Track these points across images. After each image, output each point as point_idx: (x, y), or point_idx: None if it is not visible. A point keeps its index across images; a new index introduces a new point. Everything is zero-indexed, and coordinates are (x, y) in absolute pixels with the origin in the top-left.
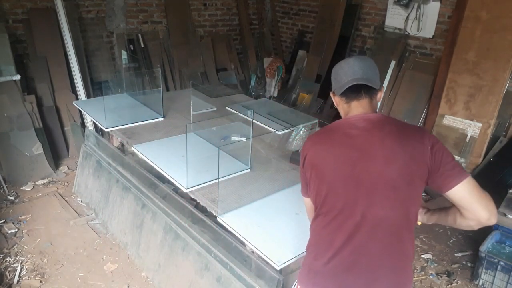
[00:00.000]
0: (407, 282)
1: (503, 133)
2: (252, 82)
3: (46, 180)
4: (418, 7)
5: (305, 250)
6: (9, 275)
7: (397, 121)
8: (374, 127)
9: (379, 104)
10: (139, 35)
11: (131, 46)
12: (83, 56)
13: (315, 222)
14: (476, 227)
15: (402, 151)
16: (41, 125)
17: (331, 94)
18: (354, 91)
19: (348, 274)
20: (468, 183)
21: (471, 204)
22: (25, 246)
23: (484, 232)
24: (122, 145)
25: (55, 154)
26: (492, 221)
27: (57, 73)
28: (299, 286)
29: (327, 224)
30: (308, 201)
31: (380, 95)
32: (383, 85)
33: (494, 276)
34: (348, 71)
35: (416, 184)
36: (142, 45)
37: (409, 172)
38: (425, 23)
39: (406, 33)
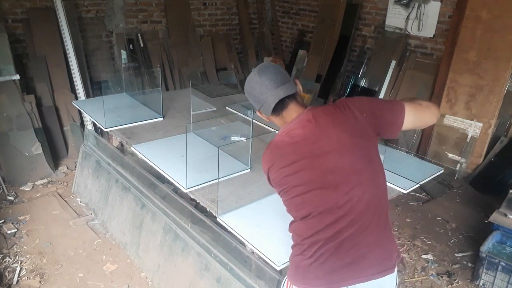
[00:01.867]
0: (392, 250)
1: (504, 133)
2: None
3: (45, 180)
4: (419, 6)
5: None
6: (9, 276)
7: (324, 108)
8: (312, 127)
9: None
10: (139, 35)
11: (131, 46)
12: (82, 55)
13: (295, 225)
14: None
15: (345, 134)
16: (40, 125)
17: (258, 113)
18: (279, 104)
19: (334, 259)
20: (408, 113)
21: (422, 122)
22: (24, 247)
23: (485, 232)
24: (122, 145)
25: (55, 154)
26: (438, 116)
27: (57, 72)
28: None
29: (310, 226)
30: None
31: (299, 87)
32: (384, 85)
33: (494, 277)
34: (262, 89)
35: (373, 153)
36: (142, 45)
37: (362, 149)
38: (426, 22)
39: (407, 32)
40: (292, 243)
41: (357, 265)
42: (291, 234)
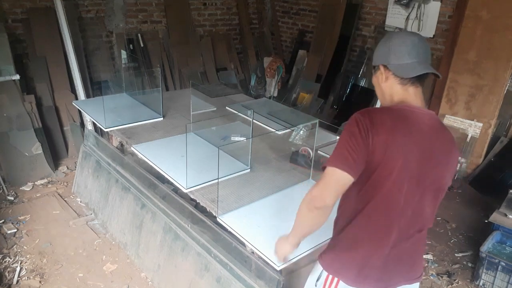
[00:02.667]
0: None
1: (504, 133)
2: (252, 82)
3: (45, 180)
4: (419, 6)
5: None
6: (9, 276)
7: (446, 127)
8: (438, 128)
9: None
10: (139, 35)
11: (131, 46)
12: (82, 55)
13: (364, 215)
14: None
15: (451, 159)
16: (40, 125)
17: (380, 66)
18: (417, 76)
19: (393, 269)
20: None
21: None
22: (24, 247)
23: (485, 232)
24: (122, 145)
25: (55, 154)
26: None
27: (57, 73)
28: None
29: (383, 219)
30: (344, 176)
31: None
32: None
33: (494, 277)
34: (412, 50)
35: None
36: (142, 45)
37: (449, 176)
38: (426, 22)
39: None
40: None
41: (406, 279)
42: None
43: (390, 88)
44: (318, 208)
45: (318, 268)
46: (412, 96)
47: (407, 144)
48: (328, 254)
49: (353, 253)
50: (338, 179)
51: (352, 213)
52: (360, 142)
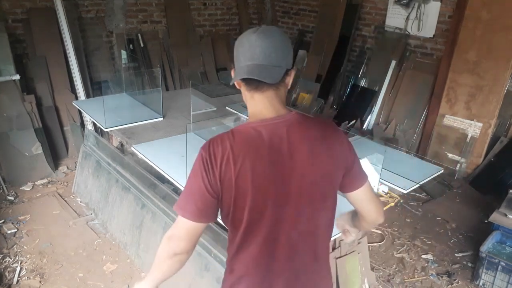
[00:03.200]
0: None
1: (504, 133)
2: None
3: (45, 180)
4: (419, 6)
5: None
6: (9, 275)
7: (315, 122)
8: (297, 128)
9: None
10: (139, 35)
11: (131, 46)
12: (82, 55)
13: (240, 253)
14: (369, 228)
15: (328, 159)
16: (40, 125)
17: (231, 70)
18: (254, 80)
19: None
20: (368, 187)
21: (370, 209)
22: (24, 246)
23: (485, 232)
24: (122, 145)
25: (55, 154)
26: (380, 221)
27: (57, 73)
28: None
29: (255, 252)
30: (196, 226)
31: (290, 79)
32: (384, 85)
33: (494, 277)
34: (246, 52)
35: (335, 188)
36: (142, 45)
37: (335, 179)
38: (426, 22)
39: (407, 32)
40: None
41: None
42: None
43: (244, 96)
44: (178, 254)
45: None
46: (260, 104)
47: (258, 167)
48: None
49: (246, 282)
50: (190, 229)
51: (233, 247)
52: (204, 186)
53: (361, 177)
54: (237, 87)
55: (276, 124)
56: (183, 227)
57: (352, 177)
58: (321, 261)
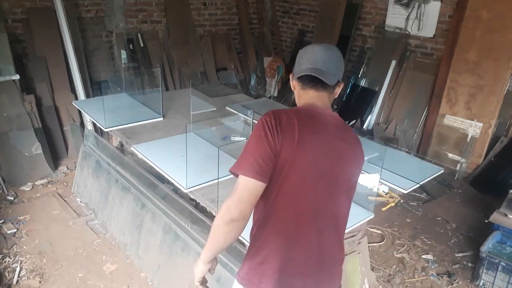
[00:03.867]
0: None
1: (504, 133)
2: (252, 82)
3: (45, 180)
4: (419, 6)
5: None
6: (8, 276)
7: (351, 129)
8: (343, 127)
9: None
10: (139, 35)
11: (131, 46)
12: (82, 55)
13: (278, 218)
14: None
15: (358, 161)
16: (40, 125)
17: (290, 75)
18: (312, 80)
19: (315, 275)
20: None
21: None
22: (24, 247)
23: (485, 232)
24: (122, 145)
25: (54, 154)
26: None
27: (56, 73)
28: None
29: (297, 221)
30: (257, 185)
31: (338, 90)
32: (384, 85)
33: (495, 277)
34: (310, 58)
35: (354, 190)
36: (142, 45)
37: (357, 179)
38: (426, 22)
39: (407, 32)
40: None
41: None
42: None
43: (297, 94)
44: (235, 220)
45: (237, 286)
46: (314, 98)
47: (316, 141)
48: (244, 267)
49: (271, 260)
50: (251, 189)
51: (265, 218)
52: (267, 145)
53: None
54: (292, 88)
55: (326, 114)
56: (245, 187)
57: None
58: (341, 253)
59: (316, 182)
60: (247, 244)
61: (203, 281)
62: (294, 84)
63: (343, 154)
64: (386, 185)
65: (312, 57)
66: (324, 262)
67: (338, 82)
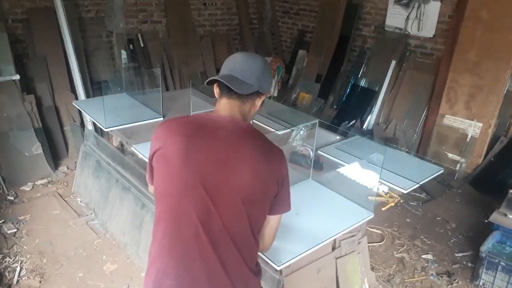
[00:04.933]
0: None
1: (504, 133)
2: None
3: (45, 180)
4: (419, 6)
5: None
6: (9, 275)
7: (263, 138)
8: (243, 137)
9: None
10: (139, 35)
11: (131, 46)
12: (82, 55)
13: (155, 226)
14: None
15: (263, 170)
16: (40, 125)
17: (205, 83)
18: (225, 87)
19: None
20: (278, 218)
21: (265, 237)
22: (24, 246)
23: (485, 232)
24: (122, 145)
25: (55, 154)
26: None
27: (57, 73)
28: None
29: (166, 230)
30: (151, 187)
31: (259, 102)
32: (384, 85)
33: (494, 277)
34: (229, 65)
35: (262, 203)
36: (142, 45)
37: (260, 191)
38: (426, 22)
39: (407, 32)
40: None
41: None
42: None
43: (217, 100)
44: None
45: None
46: (222, 106)
47: (190, 146)
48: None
49: (150, 271)
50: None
51: (153, 224)
52: (150, 151)
53: (280, 206)
54: (215, 93)
55: (223, 121)
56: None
57: (274, 203)
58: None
59: (189, 189)
60: None
61: None
62: (215, 91)
63: (231, 163)
64: (386, 185)
65: (232, 64)
66: (211, 277)
67: (259, 93)
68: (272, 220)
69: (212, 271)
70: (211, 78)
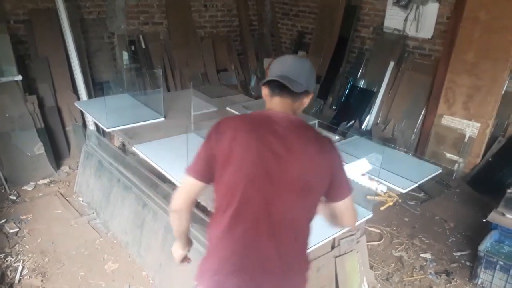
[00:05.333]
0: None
1: (502, 133)
2: (252, 83)
3: (47, 180)
4: (417, 8)
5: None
6: (11, 275)
7: (314, 130)
8: (296, 130)
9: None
10: (140, 36)
11: (132, 47)
12: (84, 56)
13: (218, 217)
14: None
15: (318, 159)
16: (42, 125)
17: (260, 84)
18: (278, 87)
19: (259, 280)
20: (349, 200)
21: (344, 219)
22: (26, 246)
23: (483, 231)
24: (123, 145)
25: (57, 154)
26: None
27: (59, 73)
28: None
29: (235, 221)
30: (192, 182)
31: (306, 101)
32: (382, 86)
33: (493, 276)
34: (279, 66)
35: (317, 191)
36: (143, 46)
37: (317, 179)
38: (424, 23)
39: (405, 34)
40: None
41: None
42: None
43: (266, 102)
44: (173, 211)
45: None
46: (274, 104)
47: (251, 140)
48: (200, 262)
49: (210, 257)
50: (187, 185)
51: (213, 215)
52: (206, 148)
53: (343, 191)
54: (263, 96)
55: (279, 116)
56: (183, 183)
57: (333, 189)
58: (299, 260)
59: (250, 179)
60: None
61: (184, 259)
62: (264, 92)
63: (290, 154)
64: (385, 184)
65: (283, 66)
66: (272, 265)
67: (307, 92)
68: (343, 204)
69: (268, 258)
70: (268, 79)
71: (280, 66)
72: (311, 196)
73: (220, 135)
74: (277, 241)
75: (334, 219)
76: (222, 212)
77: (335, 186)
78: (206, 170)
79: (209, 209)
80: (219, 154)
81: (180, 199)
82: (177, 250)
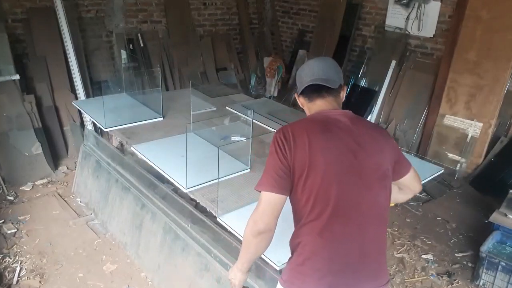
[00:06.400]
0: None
1: (504, 133)
2: (252, 82)
3: (45, 180)
4: (419, 6)
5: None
6: (9, 276)
7: (365, 119)
8: (356, 123)
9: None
10: (139, 35)
11: (131, 46)
12: (82, 55)
13: (311, 221)
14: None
15: (384, 144)
16: (40, 125)
17: (295, 96)
18: (316, 90)
19: (357, 273)
20: (413, 169)
21: (415, 185)
22: (24, 246)
23: (485, 232)
24: (122, 145)
25: (54, 154)
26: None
27: (57, 72)
28: None
29: (328, 222)
30: (276, 197)
31: (343, 93)
32: (384, 85)
33: (495, 277)
34: (308, 72)
35: (390, 176)
36: (142, 45)
37: (388, 163)
38: (426, 22)
39: (407, 32)
40: None
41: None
42: None
43: (307, 109)
44: (262, 232)
45: None
46: (322, 106)
47: (328, 141)
48: (286, 270)
49: (311, 260)
50: (271, 202)
51: (299, 223)
52: (279, 159)
53: (405, 166)
54: (301, 105)
55: (336, 113)
56: (266, 201)
57: (397, 167)
58: (384, 243)
59: (340, 177)
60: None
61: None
62: (301, 101)
63: (362, 145)
64: None
65: (311, 71)
66: (366, 255)
67: (341, 85)
68: (409, 175)
69: (363, 248)
70: (306, 85)
71: (308, 72)
72: (388, 182)
73: (291, 142)
74: (364, 232)
75: (403, 194)
76: (315, 216)
77: (400, 162)
78: (285, 180)
79: (208, 210)
80: (296, 161)
81: (268, 219)
82: (239, 275)
